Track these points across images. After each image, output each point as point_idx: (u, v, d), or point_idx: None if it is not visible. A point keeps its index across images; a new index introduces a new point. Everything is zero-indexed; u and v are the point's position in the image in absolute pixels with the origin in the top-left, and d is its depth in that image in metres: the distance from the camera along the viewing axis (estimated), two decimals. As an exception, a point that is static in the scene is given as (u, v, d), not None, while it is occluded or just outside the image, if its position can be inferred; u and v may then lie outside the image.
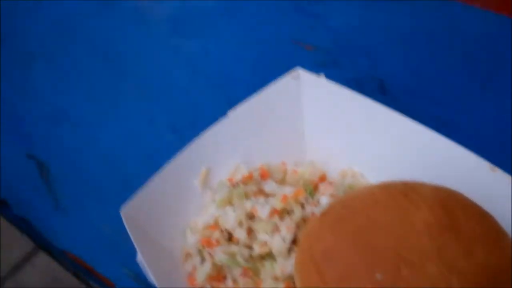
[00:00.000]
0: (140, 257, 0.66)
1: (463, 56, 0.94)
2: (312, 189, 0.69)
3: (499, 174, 0.63)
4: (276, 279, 0.63)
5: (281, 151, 0.76)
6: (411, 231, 0.52)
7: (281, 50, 0.99)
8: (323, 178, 0.73)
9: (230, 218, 0.66)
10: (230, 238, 0.67)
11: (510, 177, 0.63)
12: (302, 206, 0.67)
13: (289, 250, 0.64)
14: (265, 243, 0.65)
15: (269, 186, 0.70)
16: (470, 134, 0.72)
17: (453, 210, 0.55)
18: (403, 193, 0.56)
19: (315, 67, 0.77)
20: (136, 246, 0.63)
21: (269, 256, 0.65)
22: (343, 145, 0.75)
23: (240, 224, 0.66)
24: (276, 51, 0.99)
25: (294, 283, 0.62)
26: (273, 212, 0.66)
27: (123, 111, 0.93)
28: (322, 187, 0.70)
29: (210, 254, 0.65)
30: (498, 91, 0.87)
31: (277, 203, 0.66)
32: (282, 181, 0.73)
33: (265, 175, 0.73)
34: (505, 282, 0.52)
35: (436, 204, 0.54)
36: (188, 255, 0.67)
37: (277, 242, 0.64)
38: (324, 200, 0.67)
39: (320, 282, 0.51)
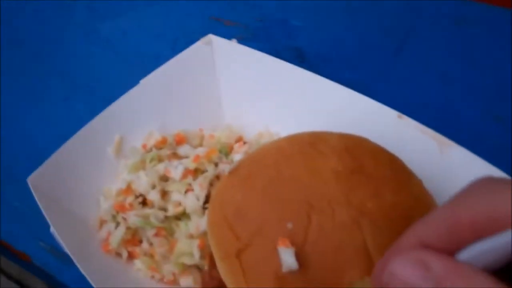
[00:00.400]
0: (53, 229, 0.64)
1: (378, 23, 0.95)
2: (228, 150, 0.69)
3: (406, 121, 0.64)
4: (191, 237, 0.62)
5: (198, 117, 0.75)
6: (320, 179, 0.52)
7: (201, 26, 0.99)
8: (239, 141, 0.72)
9: (143, 182, 0.65)
10: (144, 202, 0.66)
11: (417, 122, 0.63)
12: (216, 165, 0.66)
13: (203, 209, 0.63)
14: (178, 203, 0.64)
15: (183, 149, 0.69)
16: (386, 97, 0.73)
17: (360, 155, 0.55)
18: (310, 144, 0.57)
19: (233, 41, 0.77)
20: (46, 215, 0.61)
21: (183, 216, 0.64)
22: (259, 107, 0.75)
23: (153, 186, 0.65)
24: (196, 28, 0.98)
25: (208, 240, 0.61)
26: (187, 172, 0.65)
27: (39, 92, 0.90)
28: (237, 146, 0.69)
29: (124, 218, 0.64)
30: (411, 57, 0.89)
31: (190, 164, 0.65)
32: (199, 146, 0.73)
33: (181, 140, 0.72)
34: (414, 220, 0.52)
35: (343, 151, 0.55)
36: (102, 222, 0.66)
37: (191, 201, 0.63)
38: (238, 158, 0.67)
39: (234, 239, 0.51)
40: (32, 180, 0.62)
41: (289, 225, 0.49)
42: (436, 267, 0.27)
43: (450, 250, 0.28)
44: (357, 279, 0.47)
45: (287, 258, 0.46)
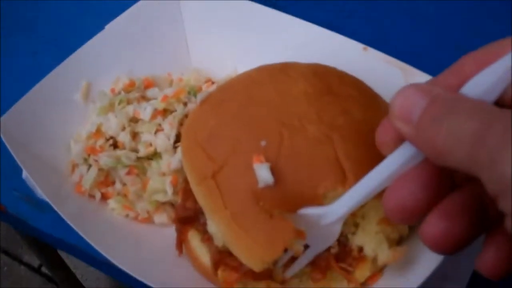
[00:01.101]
0: (25, 173, 0.64)
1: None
2: (196, 91, 0.69)
3: (371, 52, 0.65)
4: (163, 174, 0.63)
5: (165, 62, 0.76)
6: (291, 100, 0.54)
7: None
8: (208, 82, 0.72)
9: (113, 124, 0.65)
10: (115, 145, 0.66)
11: (382, 53, 0.64)
12: (185, 105, 0.66)
13: (174, 148, 0.64)
14: (149, 144, 0.65)
15: (152, 92, 0.70)
16: (352, 33, 0.74)
17: (329, 79, 0.57)
18: (280, 70, 0.58)
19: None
20: (16, 159, 0.61)
21: (154, 155, 0.65)
22: (227, 50, 0.75)
23: (123, 128, 0.65)
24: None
25: (181, 176, 0.62)
26: (156, 113, 0.66)
27: (6, 47, 0.89)
28: (205, 86, 0.70)
29: (95, 160, 0.64)
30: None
31: (159, 104, 0.66)
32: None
33: (149, 85, 0.72)
34: None
35: (312, 76, 0.57)
36: (74, 166, 0.66)
37: (161, 140, 0.64)
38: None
39: (209, 162, 0.52)
40: (1, 125, 0.62)
41: (263, 143, 0.50)
42: (437, 88, 0.29)
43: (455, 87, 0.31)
44: (331, 189, 0.49)
45: (263, 173, 0.47)
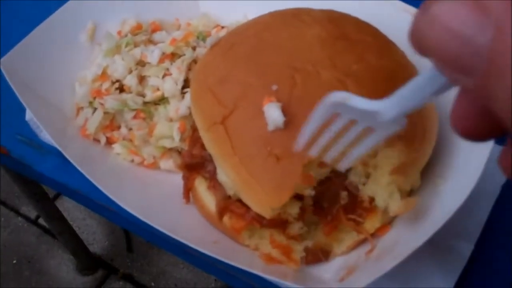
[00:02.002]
0: (29, 115, 0.63)
1: None
2: (205, 36, 0.67)
3: (389, 1, 0.63)
4: (170, 120, 0.62)
5: (173, 7, 0.74)
6: (304, 45, 0.53)
7: None
8: (217, 27, 0.70)
9: (119, 66, 0.64)
10: (121, 89, 0.65)
11: (400, 2, 0.63)
12: (194, 49, 0.65)
13: (182, 93, 0.63)
14: (157, 88, 0.63)
15: (159, 35, 0.68)
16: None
17: (344, 25, 0.56)
18: (293, 15, 0.57)
19: None
20: (20, 98, 0.59)
21: (162, 100, 0.64)
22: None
23: (129, 71, 0.64)
24: None
25: (188, 123, 0.61)
26: (164, 57, 0.64)
27: None
28: (215, 31, 0.68)
29: (101, 104, 0.63)
30: None
31: (167, 47, 0.64)
32: (173, 35, 0.71)
33: (156, 28, 0.70)
34: (399, 82, 0.52)
35: (327, 21, 0.55)
36: (79, 109, 0.65)
37: (169, 85, 0.62)
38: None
39: (219, 107, 0.51)
40: (5, 63, 0.61)
41: (274, 87, 0.49)
42: (497, 6, 0.18)
43: None
44: None
45: (273, 113, 0.46)
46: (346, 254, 0.55)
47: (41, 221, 1.54)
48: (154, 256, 1.42)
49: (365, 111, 0.33)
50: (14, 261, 1.49)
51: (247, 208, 0.52)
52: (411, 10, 0.62)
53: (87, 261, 1.40)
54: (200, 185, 0.57)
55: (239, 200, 0.53)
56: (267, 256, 0.54)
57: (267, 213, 0.49)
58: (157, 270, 1.42)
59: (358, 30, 0.55)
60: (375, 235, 0.54)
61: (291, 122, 0.47)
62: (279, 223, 0.52)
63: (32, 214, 1.56)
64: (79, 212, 1.51)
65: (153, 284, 1.41)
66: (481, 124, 0.22)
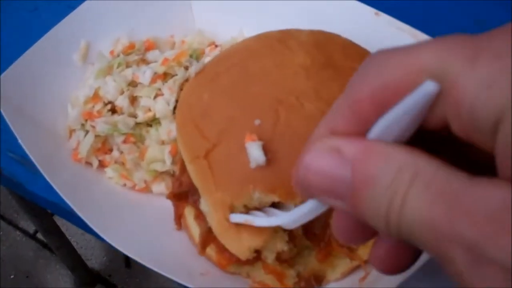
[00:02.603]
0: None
1: None
2: (199, 54, 0.67)
3: (383, 18, 0.62)
4: (162, 143, 0.61)
5: (168, 23, 0.73)
6: (289, 75, 0.52)
7: None
8: (211, 46, 0.69)
9: (111, 88, 0.63)
10: (113, 110, 0.64)
11: (394, 19, 0.61)
12: (186, 68, 0.64)
13: (174, 113, 0.62)
14: (148, 109, 0.63)
15: (153, 54, 0.67)
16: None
17: (330, 51, 0.54)
18: (278, 40, 0.56)
19: None
20: (10, 124, 0.59)
21: (153, 122, 0.63)
22: (233, 9, 0.71)
23: (121, 92, 0.63)
24: None
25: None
26: (156, 77, 0.64)
27: (5, 1, 0.86)
28: (209, 50, 0.67)
29: (92, 126, 0.62)
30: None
31: (159, 67, 0.63)
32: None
33: (150, 47, 0.69)
34: None
35: (312, 47, 0.54)
36: (71, 131, 0.64)
37: (161, 106, 0.62)
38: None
39: (202, 140, 0.50)
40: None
41: (257, 122, 0.48)
42: (348, 149, 0.25)
43: (359, 132, 0.25)
44: None
45: (255, 152, 0.45)
46: (340, 280, 0.55)
47: (39, 235, 1.55)
48: (152, 272, 1.42)
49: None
50: (12, 276, 1.51)
51: None
52: (406, 28, 0.61)
53: (85, 276, 1.41)
54: (189, 214, 0.56)
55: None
56: (260, 284, 0.53)
57: (244, 255, 0.48)
58: (155, 287, 1.41)
59: (345, 55, 0.54)
60: (367, 261, 0.53)
61: (274, 159, 0.46)
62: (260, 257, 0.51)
63: (31, 228, 1.58)
64: (77, 227, 1.51)
65: (150, 300, 1.40)
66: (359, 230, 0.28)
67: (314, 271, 0.54)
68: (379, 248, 0.28)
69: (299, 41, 0.54)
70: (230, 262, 0.51)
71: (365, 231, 0.28)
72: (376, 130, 0.24)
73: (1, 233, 1.59)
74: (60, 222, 1.34)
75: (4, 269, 1.50)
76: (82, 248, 1.49)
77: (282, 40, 0.54)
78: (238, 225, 0.47)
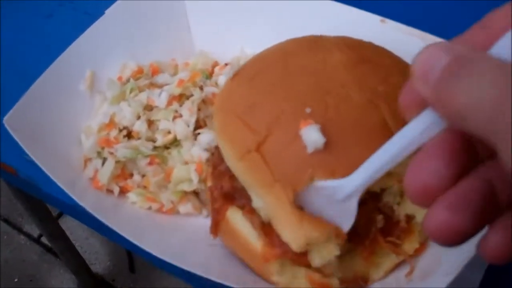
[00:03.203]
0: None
1: None
2: (208, 74, 0.67)
3: (389, 25, 0.64)
4: (186, 163, 0.60)
5: (169, 46, 0.74)
6: (330, 69, 0.53)
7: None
8: (215, 66, 0.70)
9: (127, 113, 0.63)
10: (129, 135, 0.64)
11: (401, 24, 0.64)
12: (201, 88, 0.64)
13: (194, 134, 0.62)
14: (167, 131, 0.62)
15: (162, 77, 0.68)
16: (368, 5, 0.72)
17: (361, 49, 0.57)
18: (313, 41, 0.57)
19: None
20: (30, 155, 0.58)
21: (173, 144, 0.63)
22: (231, 30, 0.73)
23: (138, 117, 0.63)
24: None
25: (205, 163, 0.60)
26: (172, 99, 0.64)
27: (22, 8, 0.86)
28: (218, 69, 0.67)
29: (111, 153, 0.62)
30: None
31: (174, 89, 0.64)
32: (174, 76, 0.70)
33: (156, 71, 0.70)
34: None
35: (345, 47, 0.56)
36: (87, 160, 0.63)
37: (181, 127, 0.62)
38: (223, 79, 0.66)
39: (251, 134, 0.51)
40: (8, 121, 0.60)
41: (308, 110, 0.49)
42: (460, 47, 0.28)
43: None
44: None
45: (313, 135, 0.46)
46: (384, 279, 0.55)
47: (43, 239, 1.56)
48: (156, 277, 1.42)
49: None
50: (16, 279, 1.51)
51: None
52: (414, 31, 0.63)
53: (89, 280, 1.41)
54: (233, 214, 0.55)
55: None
56: None
57: (297, 242, 0.48)
58: (158, 291, 1.41)
59: (375, 53, 0.56)
60: (414, 255, 0.54)
61: (329, 143, 0.47)
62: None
63: (35, 232, 1.59)
64: (82, 231, 1.51)
65: (154, 305, 1.42)
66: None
67: (358, 273, 0.54)
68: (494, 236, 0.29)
69: (331, 42, 0.56)
70: (276, 257, 0.51)
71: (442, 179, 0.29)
72: (497, 45, 0.28)
73: (5, 236, 1.59)
74: (65, 226, 1.34)
75: (8, 272, 1.50)
76: (86, 253, 1.50)
77: (316, 41, 0.56)
78: (301, 213, 0.47)
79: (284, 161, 0.48)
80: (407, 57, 0.60)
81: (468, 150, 0.30)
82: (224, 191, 0.55)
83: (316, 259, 0.51)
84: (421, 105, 0.31)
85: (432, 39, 0.62)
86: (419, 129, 0.32)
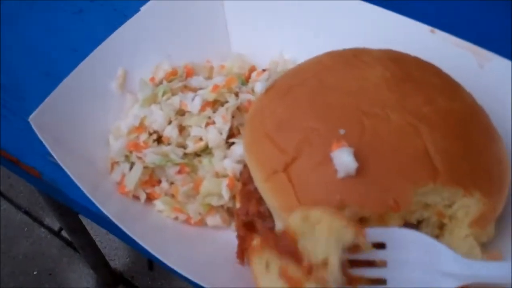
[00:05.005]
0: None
1: None
2: (244, 80, 0.65)
3: (439, 35, 0.61)
4: (216, 174, 0.59)
5: (204, 48, 0.73)
6: (369, 86, 0.51)
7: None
8: (252, 70, 0.68)
9: (158, 117, 0.62)
10: (159, 140, 0.62)
11: (451, 35, 0.61)
12: (236, 95, 0.62)
13: (227, 143, 0.60)
14: (199, 138, 0.61)
15: (196, 81, 0.66)
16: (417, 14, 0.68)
17: (406, 65, 0.54)
18: (353, 55, 0.56)
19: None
20: (55, 156, 0.57)
21: (204, 152, 0.61)
22: (270, 32, 0.71)
23: (169, 122, 0.61)
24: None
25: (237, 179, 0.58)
26: (205, 104, 0.62)
27: (51, 3, 0.85)
28: (255, 74, 0.65)
29: (139, 158, 0.60)
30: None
31: (208, 95, 0.62)
32: (208, 79, 0.68)
33: (190, 73, 0.68)
34: (473, 126, 0.52)
35: (388, 62, 0.54)
36: (114, 164, 0.62)
37: (213, 135, 0.60)
38: (259, 86, 0.65)
39: (279, 154, 0.49)
40: (34, 119, 0.59)
41: (341, 131, 0.47)
42: None
43: None
44: (422, 185, 0.46)
45: (345, 158, 0.44)
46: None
47: (64, 233, 1.57)
48: (175, 277, 1.40)
49: None
50: (35, 272, 1.51)
51: None
52: (464, 44, 0.60)
53: (107, 276, 1.42)
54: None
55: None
56: None
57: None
58: (177, 291, 1.43)
59: (422, 70, 0.54)
60: None
61: (362, 169, 0.45)
62: None
63: (56, 225, 1.60)
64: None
65: (172, 304, 1.42)
66: None
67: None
68: None
69: (373, 56, 0.54)
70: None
71: None
72: None
73: (25, 229, 1.60)
74: (86, 221, 1.33)
75: (27, 265, 1.51)
76: (106, 248, 1.50)
77: (356, 55, 0.54)
78: None
79: (311, 184, 0.47)
80: (457, 72, 0.57)
81: None
82: (248, 219, 0.52)
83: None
84: None
85: (483, 53, 0.60)
86: None
